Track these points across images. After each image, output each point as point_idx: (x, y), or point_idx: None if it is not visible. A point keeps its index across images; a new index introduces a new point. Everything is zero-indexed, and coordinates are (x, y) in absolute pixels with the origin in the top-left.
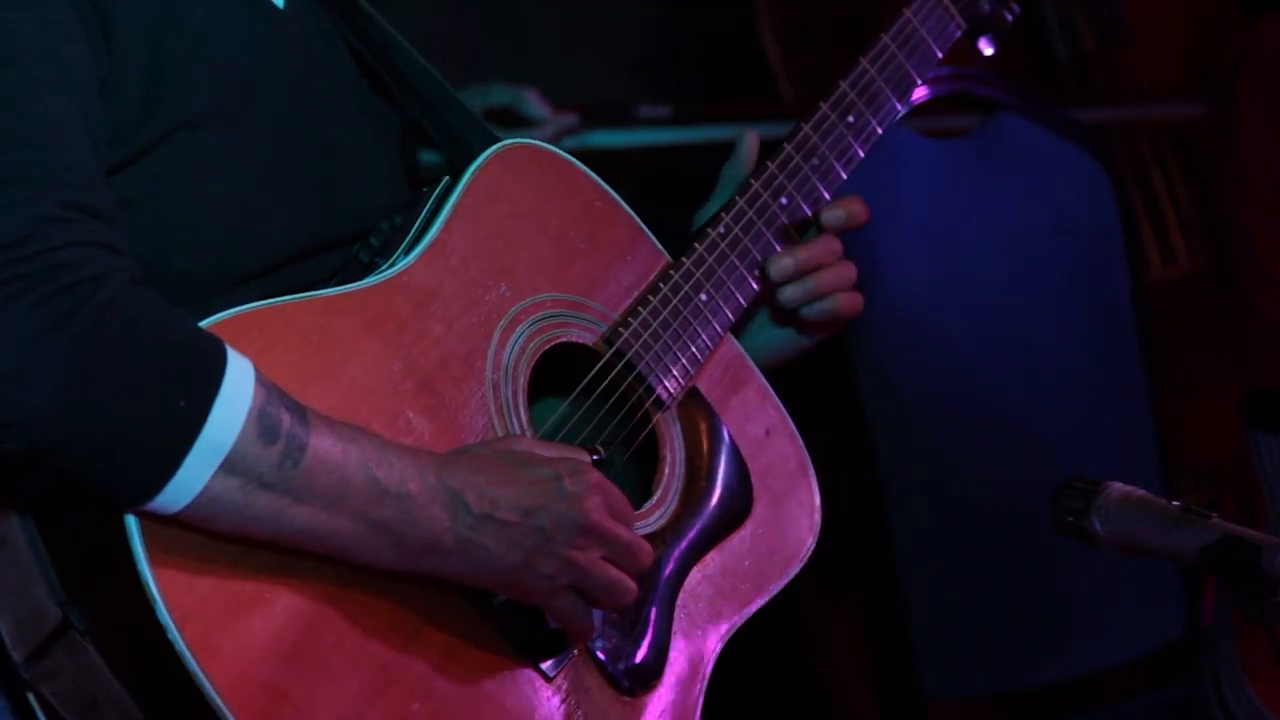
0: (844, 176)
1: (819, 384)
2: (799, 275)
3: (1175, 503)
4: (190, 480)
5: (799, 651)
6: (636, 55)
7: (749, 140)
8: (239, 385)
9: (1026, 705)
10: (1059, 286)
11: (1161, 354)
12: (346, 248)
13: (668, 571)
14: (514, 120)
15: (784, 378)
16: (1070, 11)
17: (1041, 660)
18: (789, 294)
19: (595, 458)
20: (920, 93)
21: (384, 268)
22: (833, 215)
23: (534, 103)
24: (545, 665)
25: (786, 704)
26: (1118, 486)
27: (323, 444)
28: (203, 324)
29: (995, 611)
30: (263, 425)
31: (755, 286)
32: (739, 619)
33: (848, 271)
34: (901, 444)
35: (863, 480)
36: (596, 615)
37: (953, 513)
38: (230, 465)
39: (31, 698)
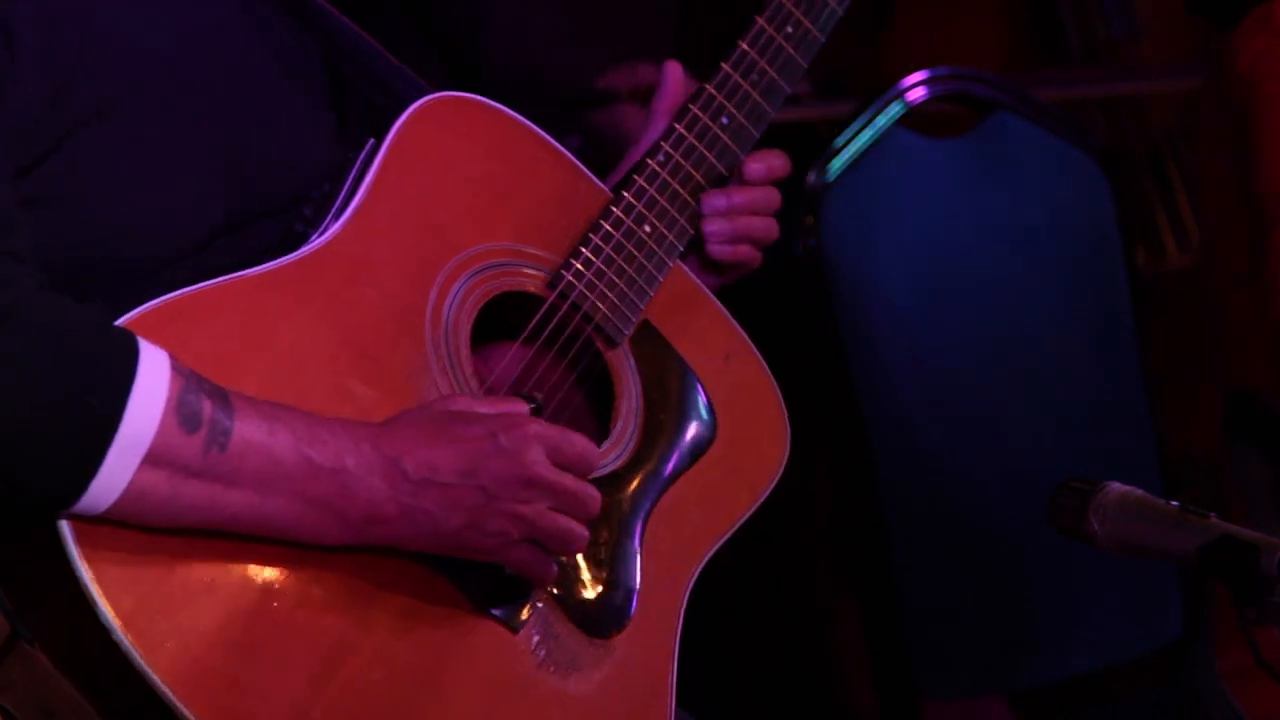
0: (788, 90)
1: (815, 384)
2: (729, 213)
3: (1174, 502)
4: (113, 478)
5: (798, 650)
6: (637, 23)
7: (671, 71)
8: (153, 377)
9: (1025, 705)
10: (1057, 286)
11: (1176, 346)
12: (284, 215)
13: (631, 509)
14: None
15: (780, 376)
16: (1085, 5)
17: (1040, 660)
18: (711, 228)
19: (532, 405)
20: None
21: (313, 238)
22: (755, 168)
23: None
24: (508, 616)
25: (787, 703)
26: (1116, 486)
27: (247, 427)
28: (125, 318)
29: (993, 611)
30: (183, 414)
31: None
32: (710, 549)
33: (772, 204)
34: (898, 444)
35: (859, 479)
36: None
37: (950, 512)
38: (154, 458)
39: None
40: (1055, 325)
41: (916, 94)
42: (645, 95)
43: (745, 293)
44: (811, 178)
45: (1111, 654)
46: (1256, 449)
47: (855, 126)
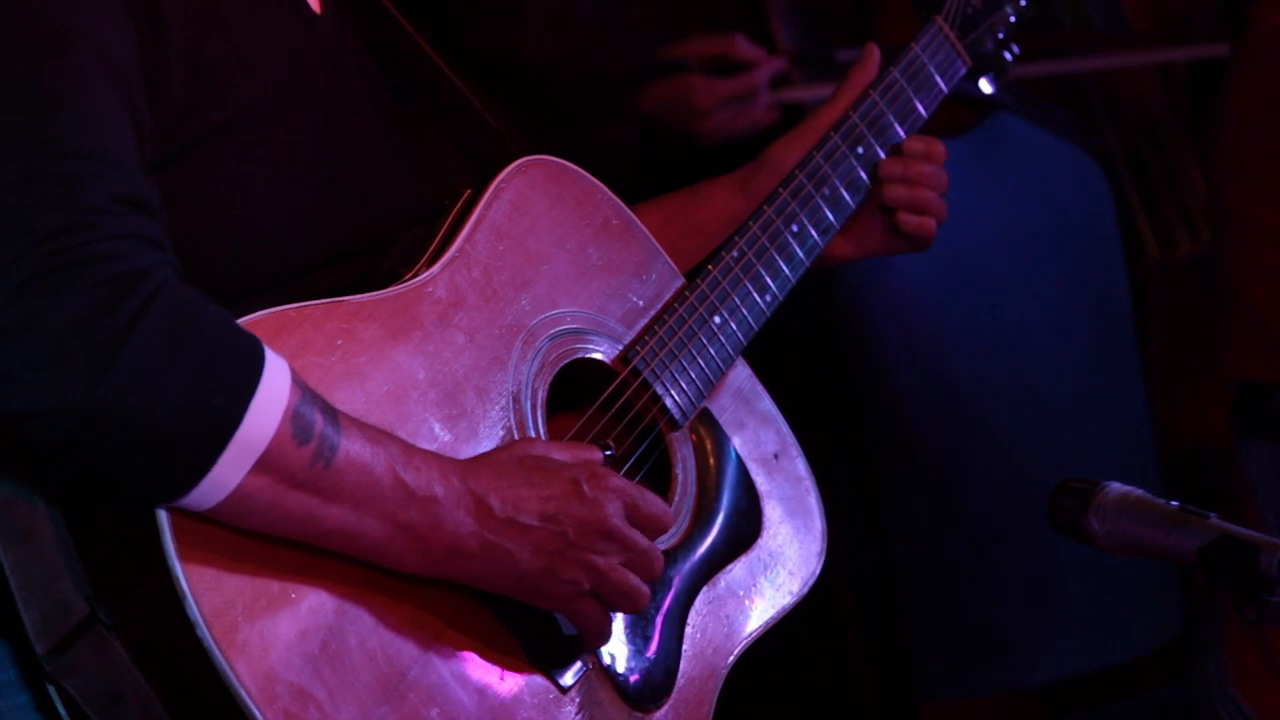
0: (853, 205)
1: (817, 384)
2: (904, 180)
3: (1174, 502)
4: (224, 478)
5: (797, 649)
6: None
7: (871, 53)
8: (276, 385)
9: (1025, 705)
10: (1056, 286)
11: (1188, 334)
12: (369, 256)
13: (679, 590)
14: (726, 66)
15: (780, 376)
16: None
17: (1040, 660)
18: (893, 194)
19: (608, 453)
20: None
21: (407, 277)
22: (915, 145)
23: (745, 46)
24: (561, 676)
25: (785, 703)
26: (1115, 486)
27: (353, 445)
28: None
29: (993, 611)
30: (297, 425)
31: (767, 311)
32: (748, 639)
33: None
34: (899, 443)
35: (860, 480)
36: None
37: (950, 512)
38: (264, 464)
39: (53, 691)
40: (1055, 325)
41: None
42: (713, 65)
43: None
44: None
45: (1113, 654)
46: (1263, 444)
47: None
